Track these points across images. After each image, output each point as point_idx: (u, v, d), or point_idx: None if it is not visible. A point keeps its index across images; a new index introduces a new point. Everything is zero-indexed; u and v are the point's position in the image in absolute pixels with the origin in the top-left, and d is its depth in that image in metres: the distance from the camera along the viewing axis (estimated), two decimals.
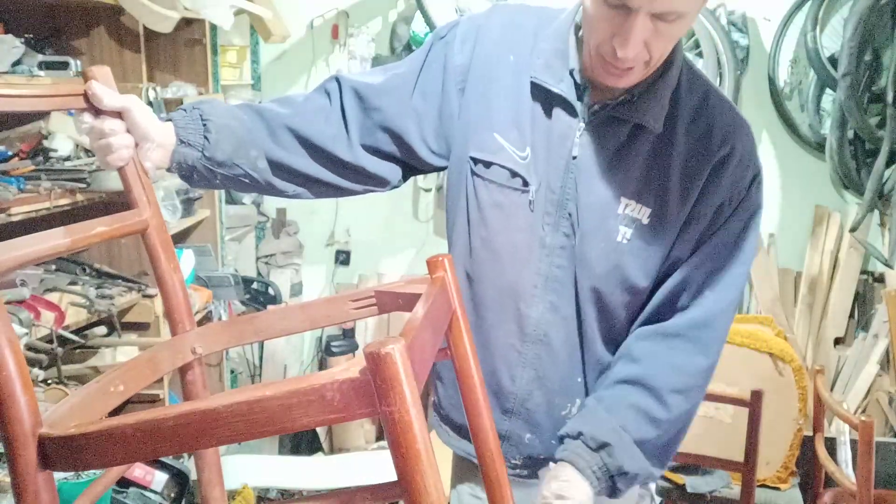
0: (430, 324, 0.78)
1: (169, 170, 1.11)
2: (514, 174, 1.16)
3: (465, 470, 1.36)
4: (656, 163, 1.13)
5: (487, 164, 1.17)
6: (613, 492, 1.13)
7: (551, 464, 1.12)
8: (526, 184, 1.16)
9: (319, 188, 1.24)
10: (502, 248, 1.18)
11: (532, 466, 1.27)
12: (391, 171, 1.25)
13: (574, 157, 1.14)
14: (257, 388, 0.61)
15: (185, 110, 1.13)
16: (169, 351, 0.96)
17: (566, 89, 1.14)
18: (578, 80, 1.14)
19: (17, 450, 0.67)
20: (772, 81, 3.05)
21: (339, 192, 1.26)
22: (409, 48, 3.08)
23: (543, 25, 1.19)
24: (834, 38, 2.91)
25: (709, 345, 1.17)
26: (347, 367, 0.60)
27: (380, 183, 1.26)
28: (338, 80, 1.22)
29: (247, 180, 1.16)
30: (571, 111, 1.14)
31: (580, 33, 1.14)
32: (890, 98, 2.66)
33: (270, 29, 2.87)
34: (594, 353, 1.20)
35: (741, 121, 1.18)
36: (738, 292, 1.18)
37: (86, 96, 0.97)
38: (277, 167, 1.18)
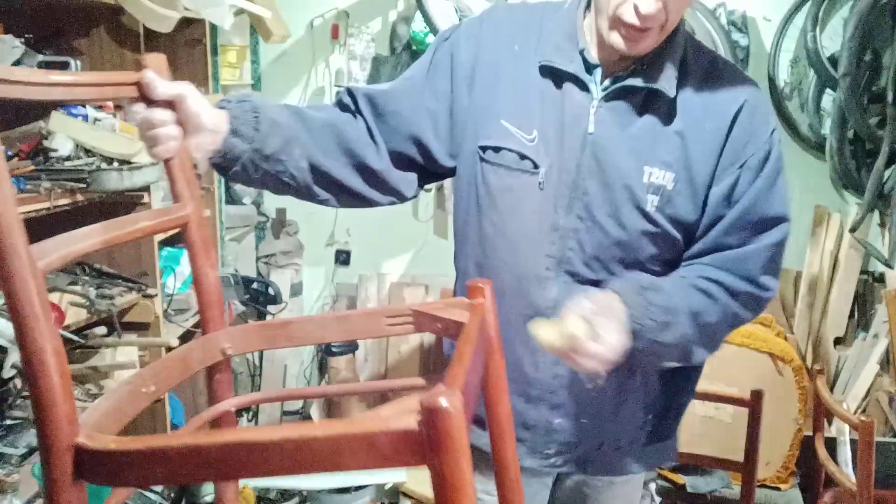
0: (476, 364, 0.77)
1: (211, 160, 1.09)
2: (523, 156, 1.17)
3: (476, 462, 1.34)
4: (674, 128, 1.16)
5: (496, 150, 1.19)
6: (643, 348, 1.10)
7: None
8: (535, 166, 1.17)
9: (347, 198, 1.24)
10: (516, 233, 1.19)
11: (567, 453, 1.27)
12: (411, 179, 1.27)
13: (590, 133, 1.15)
14: (308, 427, 0.59)
15: (234, 101, 1.11)
16: (200, 350, 0.95)
17: (577, 68, 1.16)
18: (589, 59, 1.16)
19: (53, 459, 0.66)
20: (772, 81, 3.05)
21: (363, 202, 1.26)
22: (409, 48, 3.08)
23: (548, 16, 1.22)
24: (834, 38, 2.91)
25: (753, 275, 1.17)
26: (400, 413, 0.59)
27: (400, 193, 1.27)
28: (350, 91, 1.24)
29: (287, 179, 1.15)
30: (584, 89, 1.17)
31: (587, 17, 1.18)
32: (890, 98, 2.66)
33: (270, 29, 2.87)
34: None
35: (750, 79, 1.22)
36: (783, 236, 1.19)
37: (139, 85, 0.94)
38: (316, 170, 1.18)
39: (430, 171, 1.28)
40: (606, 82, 1.16)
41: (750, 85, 1.21)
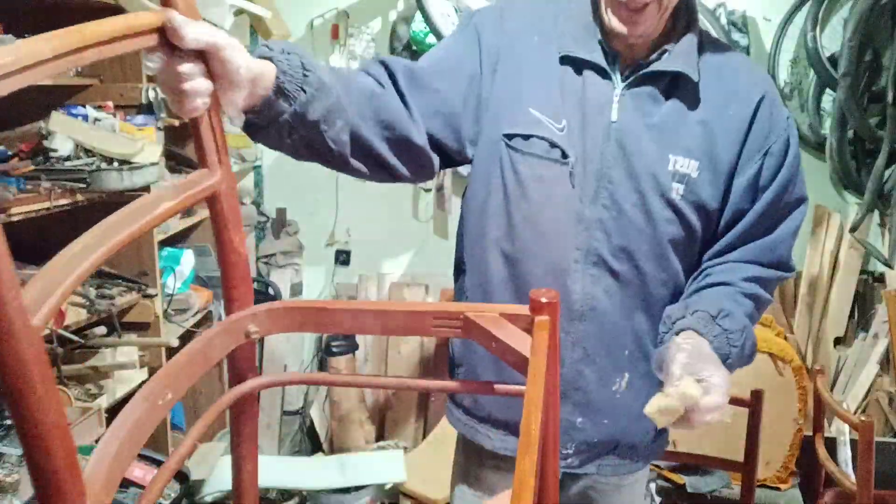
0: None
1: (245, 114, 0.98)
2: (554, 145, 1.16)
3: (482, 461, 1.34)
4: (698, 114, 1.16)
5: (526, 137, 1.17)
6: (728, 365, 1.11)
7: (674, 338, 1.11)
8: (565, 155, 1.16)
9: (380, 172, 1.17)
10: (547, 223, 1.18)
11: (586, 452, 1.27)
12: (436, 159, 1.22)
13: (613, 122, 1.15)
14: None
15: (278, 50, 0.97)
16: (223, 335, 0.85)
17: (598, 57, 1.16)
18: (608, 49, 1.16)
19: None
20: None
21: (394, 177, 1.19)
22: (409, 48, 3.08)
23: (563, 7, 1.21)
24: (834, 38, 2.91)
25: (784, 259, 1.23)
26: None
27: (428, 172, 1.22)
28: (384, 63, 1.17)
29: (321, 147, 1.05)
30: (606, 77, 1.16)
31: (600, 6, 1.16)
32: (890, 98, 2.66)
33: (270, 29, 2.87)
34: (640, 322, 1.21)
35: (763, 71, 1.26)
36: (803, 216, 1.24)
37: (161, 31, 0.75)
38: (356, 142, 1.09)
39: (449, 155, 1.24)
40: (627, 71, 1.16)
41: (765, 76, 1.24)
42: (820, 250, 3.07)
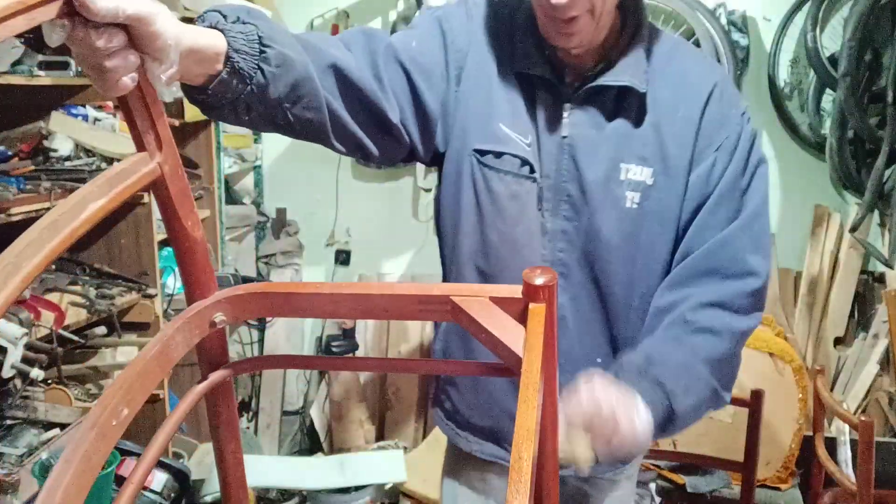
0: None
1: (192, 95, 0.88)
2: (525, 162, 1.16)
3: (469, 465, 1.35)
4: (648, 121, 1.14)
5: (498, 155, 1.16)
6: (670, 421, 1.05)
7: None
8: (533, 171, 1.16)
9: (354, 150, 1.12)
10: (519, 238, 1.18)
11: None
12: (406, 145, 1.17)
13: (564, 137, 1.14)
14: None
15: (231, 17, 0.87)
16: (184, 331, 0.76)
17: (546, 73, 1.14)
18: (555, 63, 1.15)
19: None
20: (772, 81, 3.05)
21: (366, 155, 1.14)
22: None
23: (514, 21, 1.19)
24: (834, 38, 2.91)
25: (742, 259, 1.14)
26: None
27: (396, 154, 1.18)
28: (366, 35, 1.11)
29: (286, 125, 0.99)
30: (556, 93, 1.15)
31: None
32: (890, 98, 2.66)
33: None
34: (611, 330, 1.20)
35: (714, 62, 1.21)
36: (766, 220, 1.17)
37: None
38: (328, 117, 1.03)
39: (413, 152, 1.19)
40: (577, 83, 1.15)
41: (716, 68, 1.21)
42: (820, 250, 3.07)
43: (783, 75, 3.06)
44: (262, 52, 0.89)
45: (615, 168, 1.14)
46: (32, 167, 1.90)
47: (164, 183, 0.74)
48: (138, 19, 0.68)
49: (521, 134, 1.16)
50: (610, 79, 1.13)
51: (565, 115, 1.15)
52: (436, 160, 1.23)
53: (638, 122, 1.14)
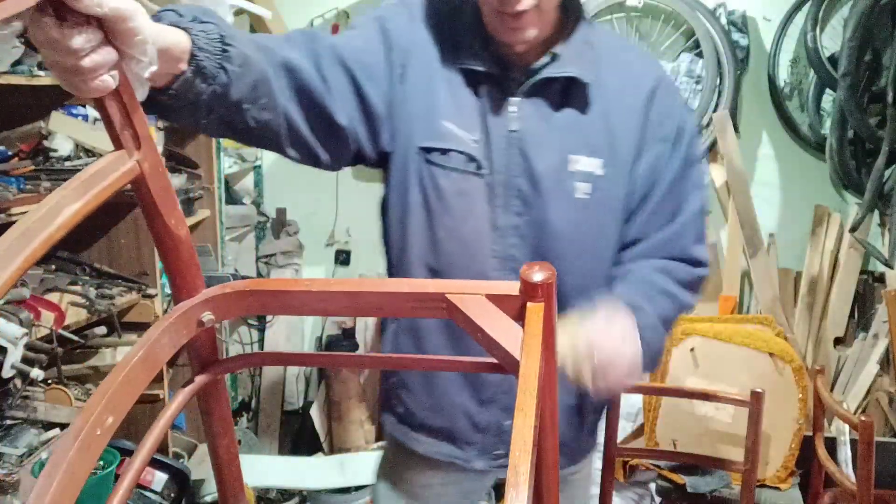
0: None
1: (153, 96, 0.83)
2: (472, 158, 1.16)
3: (406, 468, 1.36)
4: (595, 112, 1.15)
5: (444, 151, 1.16)
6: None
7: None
8: (480, 167, 1.16)
9: (302, 154, 1.11)
10: (468, 235, 1.18)
11: None
12: (353, 149, 1.16)
13: (512, 131, 1.15)
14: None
15: (189, 16, 0.85)
16: (171, 332, 0.75)
17: (492, 67, 1.15)
18: (499, 57, 1.15)
19: None
20: (772, 81, 3.05)
21: (313, 160, 1.13)
22: None
23: (458, 16, 1.18)
24: (834, 38, 2.91)
25: (687, 250, 1.19)
26: None
27: (343, 159, 1.17)
28: (310, 36, 1.10)
29: (242, 128, 0.97)
30: (502, 88, 1.15)
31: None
32: (890, 98, 2.66)
33: (270, 29, 2.87)
34: None
35: (655, 59, 1.25)
36: (702, 209, 1.22)
37: None
38: (282, 120, 1.03)
39: (359, 154, 1.19)
40: (523, 77, 1.15)
41: (657, 63, 1.24)
42: (820, 250, 3.07)
43: (783, 75, 3.06)
44: (224, 50, 0.87)
45: (564, 160, 1.15)
46: (32, 167, 1.90)
47: (144, 181, 0.71)
48: (119, 13, 0.65)
49: (467, 130, 1.16)
50: (555, 71, 1.14)
51: (512, 109, 1.15)
52: (382, 161, 1.21)
53: (585, 113, 1.15)
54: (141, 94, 0.73)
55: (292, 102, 1.04)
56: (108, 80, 0.66)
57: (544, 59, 1.14)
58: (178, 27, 0.82)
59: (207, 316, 0.78)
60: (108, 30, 0.66)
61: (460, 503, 1.38)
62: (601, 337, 1.00)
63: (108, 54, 0.65)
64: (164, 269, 0.80)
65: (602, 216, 1.17)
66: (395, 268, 1.27)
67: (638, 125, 1.16)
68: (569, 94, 1.15)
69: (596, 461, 2.59)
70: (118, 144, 0.69)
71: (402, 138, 1.17)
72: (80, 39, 0.63)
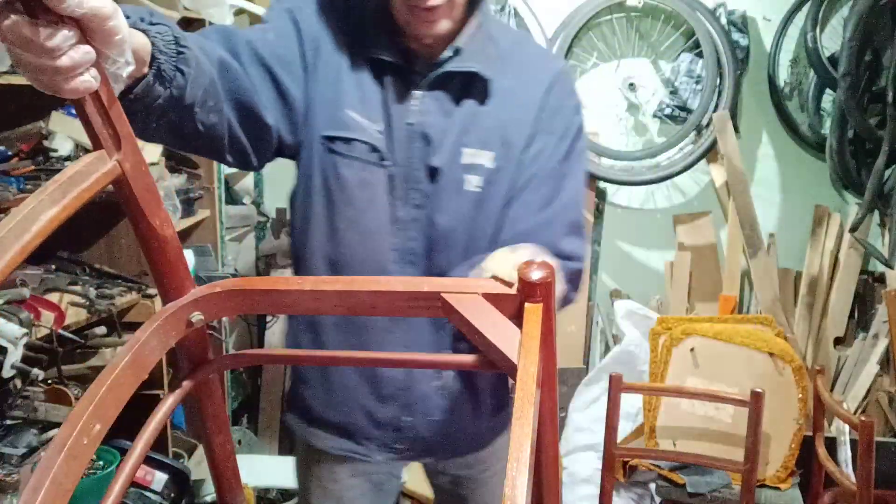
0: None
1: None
2: (374, 149, 1.16)
3: (317, 463, 1.36)
4: (491, 107, 1.16)
5: (347, 141, 1.15)
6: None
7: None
8: (383, 158, 1.16)
9: (235, 155, 1.10)
10: (368, 227, 1.17)
11: (418, 447, 1.30)
12: (274, 147, 1.16)
13: (411, 124, 1.15)
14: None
15: (139, 18, 0.82)
16: (159, 333, 0.73)
17: (397, 58, 1.15)
18: (405, 49, 1.16)
19: None
20: (772, 81, 3.05)
21: (243, 160, 1.12)
22: None
23: (364, 6, 1.18)
24: (834, 38, 2.91)
25: (555, 242, 1.14)
26: None
27: (266, 158, 1.16)
28: (225, 34, 1.08)
29: (190, 133, 0.95)
30: (405, 80, 1.16)
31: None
32: (890, 98, 2.66)
33: None
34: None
35: (556, 55, 1.27)
36: (581, 206, 1.20)
37: None
38: (227, 123, 1.02)
39: (280, 149, 1.18)
40: (426, 70, 1.16)
41: (558, 59, 1.27)
42: (820, 250, 3.07)
43: (783, 75, 3.06)
44: (180, 52, 0.85)
45: (458, 153, 1.15)
46: (32, 167, 1.90)
47: (126, 182, 0.69)
48: (99, 13, 0.62)
49: (371, 120, 1.16)
50: (457, 65, 1.14)
51: (414, 102, 1.16)
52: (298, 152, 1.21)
53: (482, 106, 1.16)
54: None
55: (228, 104, 1.03)
56: (90, 80, 0.64)
57: (447, 53, 1.15)
58: (136, 29, 0.80)
59: (197, 316, 0.76)
60: (86, 29, 0.63)
61: (373, 494, 1.39)
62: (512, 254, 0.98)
63: (87, 53, 0.63)
64: (151, 270, 0.78)
65: (494, 209, 1.17)
66: (297, 259, 1.27)
67: (530, 121, 1.17)
68: (470, 88, 1.16)
69: (595, 461, 2.59)
70: (97, 144, 0.67)
71: (309, 127, 1.17)
72: (58, 38, 0.60)
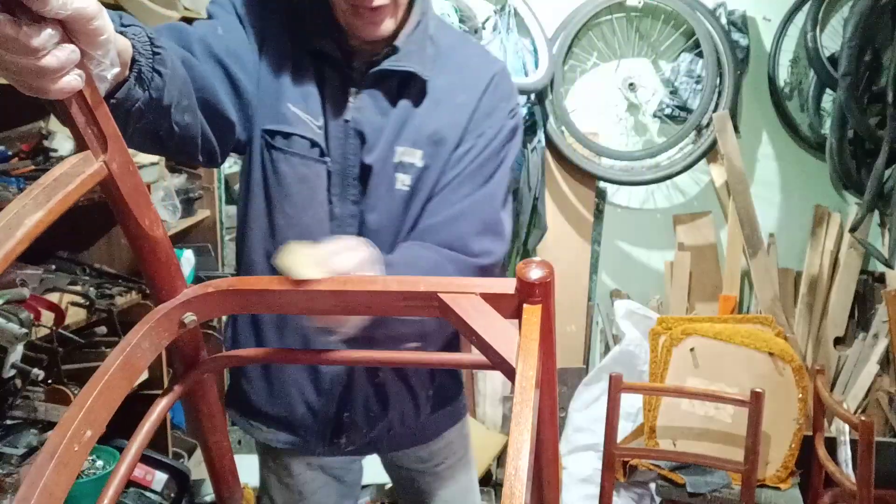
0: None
1: None
2: (314, 144, 1.15)
3: (272, 458, 1.37)
4: (426, 107, 1.16)
5: (287, 136, 1.14)
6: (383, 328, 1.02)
7: None
8: (323, 154, 1.15)
9: (204, 154, 1.08)
10: (309, 225, 1.16)
11: (362, 441, 1.29)
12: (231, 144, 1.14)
13: (347, 121, 1.15)
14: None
15: (119, 22, 0.80)
16: (151, 335, 0.72)
17: (337, 54, 1.14)
18: (345, 44, 1.15)
19: None
20: (772, 81, 3.05)
21: (210, 158, 1.10)
22: None
23: (304, 1, 1.17)
24: (834, 38, 2.91)
25: (465, 239, 1.13)
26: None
27: (225, 154, 1.14)
28: (177, 31, 1.06)
29: (165, 135, 0.94)
30: (344, 77, 1.15)
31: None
32: (890, 98, 2.66)
33: None
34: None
35: (495, 57, 1.26)
36: (498, 205, 1.17)
37: None
38: (201, 124, 1.02)
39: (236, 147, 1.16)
40: (364, 67, 1.15)
41: (496, 62, 1.24)
42: (820, 250, 3.07)
43: (783, 75, 3.06)
44: (156, 53, 0.83)
45: (391, 151, 1.15)
46: (32, 167, 1.90)
47: (113, 182, 0.67)
48: (83, 13, 0.61)
49: (312, 116, 1.15)
50: (394, 64, 1.14)
51: (351, 99, 1.15)
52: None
53: (418, 107, 1.16)
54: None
55: (198, 103, 1.01)
56: (76, 80, 0.62)
57: (385, 51, 1.14)
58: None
59: (189, 317, 0.76)
60: (70, 29, 0.62)
61: (335, 485, 1.39)
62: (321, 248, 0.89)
63: (73, 52, 0.62)
64: (142, 271, 0.77)
65: (420, 207, 1.17)
66: (238, 257, 1.27)
67: (465, 122, 1.16)
68: (407, 87, 1.16)
69: (595, 461, 2.60)
70: (83, 145, 0.65)
71: (254, 122, 1.16)
72: (42, 37, 0.59)
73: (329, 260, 0.83)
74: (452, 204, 1.15)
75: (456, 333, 1.24)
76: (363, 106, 1.15)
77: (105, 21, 0.64)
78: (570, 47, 3.04)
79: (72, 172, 0.63)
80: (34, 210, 0.57)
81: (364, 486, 2.59)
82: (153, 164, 2.03)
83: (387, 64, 1.14)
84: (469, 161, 1.16)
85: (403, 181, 1.15)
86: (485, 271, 1.14)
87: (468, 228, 1.13)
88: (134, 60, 0.80)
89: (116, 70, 0.69)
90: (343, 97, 1.15)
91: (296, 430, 1.28)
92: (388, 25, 1.11)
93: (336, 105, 1.15)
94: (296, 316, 1.18)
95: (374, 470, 2.73)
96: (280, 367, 1.26)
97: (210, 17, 1.16)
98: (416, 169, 1.15)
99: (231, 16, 1.14)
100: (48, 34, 0.59)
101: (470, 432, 1.48)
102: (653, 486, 2.44)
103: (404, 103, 1.16)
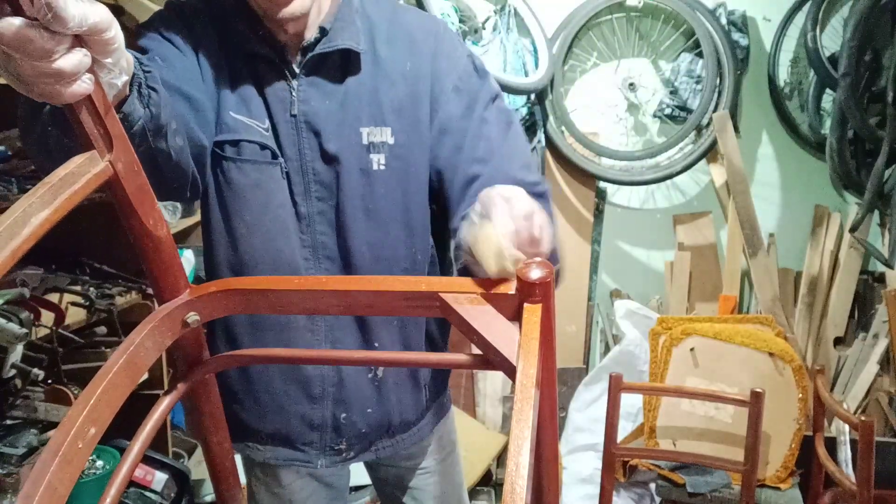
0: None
1: None
2: (264, 146, 1.13)
3: (260, 467, 1.34)
4: (377, 81, 1.13)
5: (235, 143, 1.12)
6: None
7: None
8: (275, 155, 1.13)
9: (192, 189, 1.08)
10: (271, 228, 1.14)
11: (359, 444, 1.27)
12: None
13: (294, 115, 1.12)
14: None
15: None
16: (154, 335, 0.72)
17: (267, 51, 1.12)
18: (274, 41, 1.12)
19: None
20: (772, 81, 3.05)
21: (194, 191, 1.09)
22: None
23: (226, 3, 1.15)
24: (834, 38, 2.92)
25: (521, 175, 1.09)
26: None
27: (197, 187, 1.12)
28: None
29: (163, 161, 0.93)
30: (280, 72, 1.13)
31: None
32: (890, 98, 2.66)
33: None
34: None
35: (433, 16, 1.23)
36: (523, 141, 1.16)
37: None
38: (188, 149, 1.00)
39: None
40: (299, 57, 1.13)
41: (436, 20, 1.21)
42: (820, 250, 3.07)
43: (783, 75, 3.06)
44: (146, 71, 0.84)
45: (357, 133, 1.12)
46: (33, 167, 1.90)
47: (118, 182, 0.68)
48: (99, 26, 0.63)
49: (257, 119, 1.12)
50: (326, 45, 1.11)
51: (294, 93, 1.13)
52: None
53: (367, 83, 1.13)
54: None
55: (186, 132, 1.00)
56: (88, 83, 0.64)
57: (314, 36, 1.12)
58: None
59: (193, 317, 0.76)
60: (83, 39, 0.63)
61: (325, 491, 1.38)
62: (511, 225, 0.81)
63: (84, 56, 0.63)
64: (145, 271, 0.77)
65: (403, 184, 1.14)
66: (207, 274, 1.24)
67: (427, 88, 1.14)
68: (347, 66, 1.13)
69: (595, 461, 2.59)
70: (88, 145, 0.66)
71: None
72: (53, 42, 0.60)
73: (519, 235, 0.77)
74: (482, 157, 1.10)
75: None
76: (307, 97, 1.12)
77: (117, 31, 0.66)
78: (570, 47, 3.04)
79: (78, 172, 0.63)
80: (40, 209, 0.58)
81: (363, 487, 2.59)
82: None
83: (319, 48, 1.11)
84: (458, 117, 1.13)
85: (379, 161, 1.12)
86: (545, 198, 1.09)
87: (515, 166, 1.09)
88: (134, 76, 0.81)
89: (126, 78, 0.71)
90: (285, 93, 1.12)
91: (294, 444, 1.26)
92: (297, 4, 1.06)
93: (280, 102, 1.13)
94: (275, 323, 1.17)
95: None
96: (267, 381, 1.23)
97: (144, 51, 1.08)
98: (388, 146, 1.12)
99: (164, 44, 1.10)
100: (58, 38, 0.60)
101: (455, 427, 1.47)
102: (653, 486, 2.44)
103: (351, 82, 1.13)
